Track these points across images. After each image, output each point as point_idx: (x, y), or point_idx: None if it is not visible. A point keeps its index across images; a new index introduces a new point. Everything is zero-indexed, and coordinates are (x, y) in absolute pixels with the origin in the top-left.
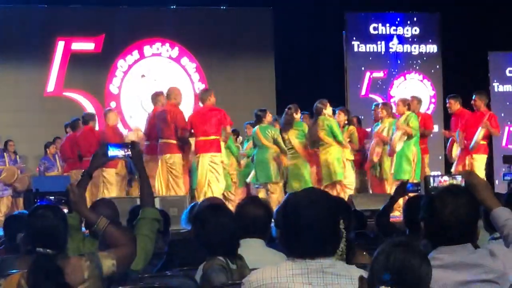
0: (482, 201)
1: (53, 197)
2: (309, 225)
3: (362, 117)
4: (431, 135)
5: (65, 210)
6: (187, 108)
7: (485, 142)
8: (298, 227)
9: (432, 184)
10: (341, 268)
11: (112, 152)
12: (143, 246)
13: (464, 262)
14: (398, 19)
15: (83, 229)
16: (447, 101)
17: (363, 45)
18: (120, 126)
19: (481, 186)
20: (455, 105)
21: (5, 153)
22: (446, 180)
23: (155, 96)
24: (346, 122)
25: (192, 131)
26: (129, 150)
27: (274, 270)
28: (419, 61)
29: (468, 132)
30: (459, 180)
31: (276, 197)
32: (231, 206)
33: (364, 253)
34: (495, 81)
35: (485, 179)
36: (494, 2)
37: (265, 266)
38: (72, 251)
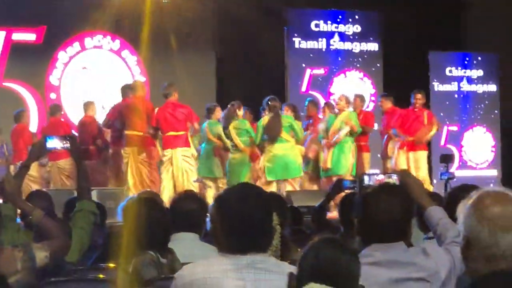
0: (416, 200)
1: None
2: (240, 220)
3: (303, 114)
4: (372, 133)
5: (0, 201)
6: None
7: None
8: (229, 222)
9: (367, 182)
10: (273, 264)
11: (51, 143)
12: (78, 238)
13: (396, 260)
14: (340, 16)
15: (19, 220)
16: (379, 99)
17: (304, 41)
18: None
19: (415, 185)
20: (386, 104)
21: None
22: (382, 179)
23: (125, 89)
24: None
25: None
26: (68, 142)
27: (206, 265)
28: (360, 59)
29: (405, 129)
30: (394, 179)
31: (214, 192)
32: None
33: (299, 249)
34: (435, 80)
35: (427, 175)
36: (435, 2)
37: (197, 260)
38: (6, 242)
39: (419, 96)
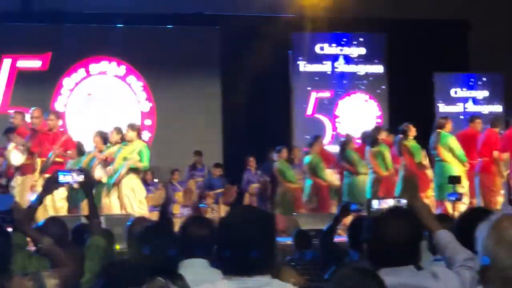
0: (424, 224)
1: None
2: (246, 243)
3: (308, 137)
4: None
5: (10, 229)
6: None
7: None
8: (233, 245)
9: (376, 207)
10: (277, 286)
11: (63, 178)
12: (89, 271)
13: (407, 284)
14: (345, 39)
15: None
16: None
17: (309, 64)
18: None
19: (423, 209)
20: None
21: None
22: (389, 203)
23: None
24: None
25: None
26: (80, 176)
27: None
28: (365, 81)
29: None
30: (403, 203)
31: None
32: None
33: (290, 269)
34: (440, 101)
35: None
36: (439, 24)
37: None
38: (17, 270)
39: None
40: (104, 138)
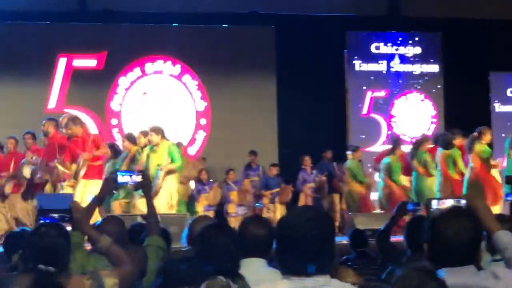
0: (484, 224)
1: (56, 215)
2: (306, 243)
3: (363, 137)
4: None
5: (68, 228)
6: (189, 125)
7: None
8: (294, 245)
9: (435, 207)
10: (336, 286)
11: (122, 178)
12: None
13: (467, 284)
14: (400, 38)
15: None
16: None
17: (364, 64)
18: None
19: (483, 209)
20: None
21: None
22: (448, 203)
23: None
24: None
25: None
26: (138, 177)
27: None
28: (420, 80)
29: None
30: (462, 203)
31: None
32: None
33: (348, 269)
34: (496, 101)
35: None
36: (495, 23)
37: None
38: (75, 269)
39: None
40: (133, 141)
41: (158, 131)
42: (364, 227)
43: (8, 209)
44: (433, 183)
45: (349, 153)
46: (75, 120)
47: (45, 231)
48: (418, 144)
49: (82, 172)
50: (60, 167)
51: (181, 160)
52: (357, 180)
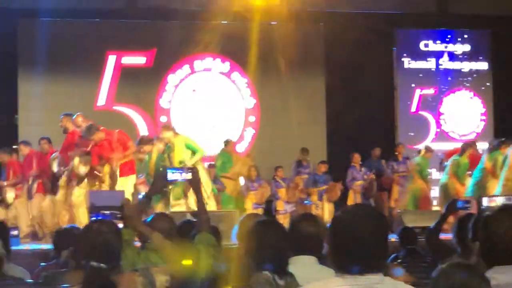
0: None
1: (108, 212)
2: (360, 241)
3: (412, 134)
4: None
5: (120, 225)
6: (238, 123)
7: None
8: (348, 243)
9: (486, 204)
10: (390, 284)
11: (172, 175)
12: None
13: None
14: (449, 36)
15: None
16: None
17: (413, 61)
18: None
19: None
20: None
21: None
22: (499, 201)
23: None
24: None
25: None
26: (188, 174)
27: (323, 286)
28: (469, 78)
29: None
30: None
31: None
32: None
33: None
34: None
35: None
36: None
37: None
38: (127, 266)
39: None
40: (150, 143)
41: (168, 127)
42: (412, 224)
43: (32, 208)
44: (493, 185)
45: (422, 150)
46: (90, 128)
47: (97, 228)
48: (501, 143)
49: (117, 173)
50: (97, 173)
51: (201, 149)
52: (422, 176)
